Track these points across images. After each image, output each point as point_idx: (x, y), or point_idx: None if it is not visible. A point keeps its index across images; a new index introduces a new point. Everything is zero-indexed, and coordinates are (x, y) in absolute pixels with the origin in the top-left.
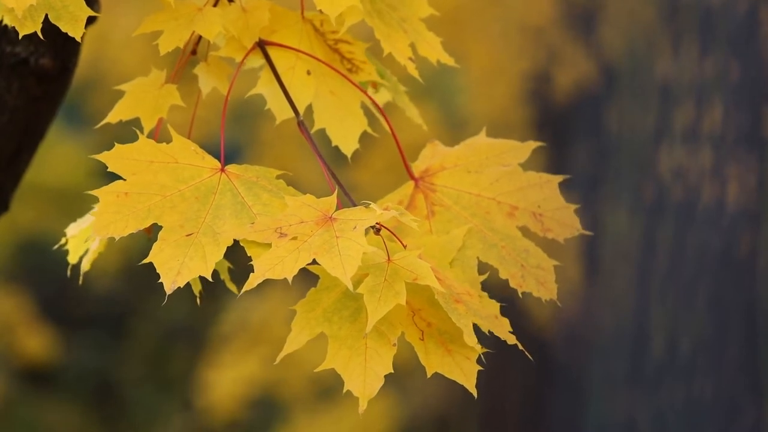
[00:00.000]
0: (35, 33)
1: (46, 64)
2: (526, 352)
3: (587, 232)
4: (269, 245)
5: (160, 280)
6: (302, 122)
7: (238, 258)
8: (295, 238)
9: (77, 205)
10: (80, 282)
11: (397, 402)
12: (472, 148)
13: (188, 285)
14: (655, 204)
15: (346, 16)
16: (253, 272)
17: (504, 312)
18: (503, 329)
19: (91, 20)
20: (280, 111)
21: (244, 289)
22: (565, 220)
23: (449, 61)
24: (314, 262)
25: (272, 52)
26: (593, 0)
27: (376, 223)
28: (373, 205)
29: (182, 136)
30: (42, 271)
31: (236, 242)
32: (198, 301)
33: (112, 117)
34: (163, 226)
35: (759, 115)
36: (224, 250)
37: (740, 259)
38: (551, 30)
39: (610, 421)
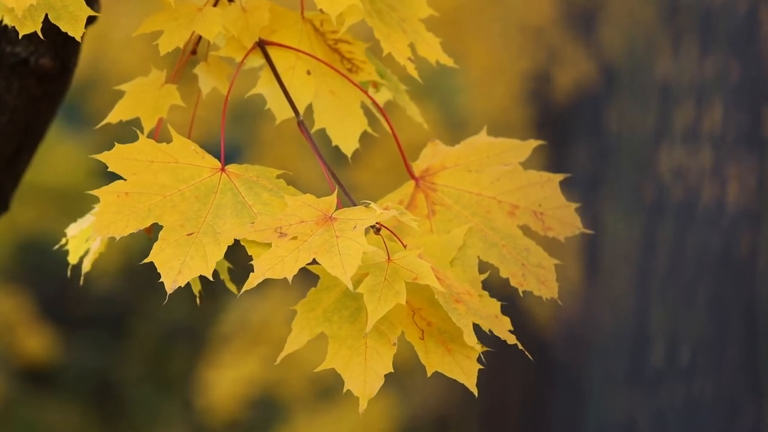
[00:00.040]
0: (35, 33)
1: (46, 64)
2: (526, 352)
3: (588, 231)
4: (269, 245)
5: (160, 280)
6: (302, 122)
7: (238, 258)
8: (295, 238)
9: (77, 205)
10: (81, 282)
11: (397, 402)
12: (472, 147)
13: (188, 285)
14: (655, 204)
15: (346, 15)
16: (253, 272)
17: (504, 311)
18: (503, 329)
19: (91, 20)
20: (280, 111)
21: (244, 289)
22: (566, 219)
23: (448, 61)
24: (314, 261)
25: (272, 52)
26: (593, 0)
27: (376, 223)
28: (373, 205)
29: (182, 136)
30: (42, 271)
31: (236, 242)
32: (198, 301)
33: (112, 117)
34: (164, 225)
35: (759, 115)
36: (225, 249)
37: (740, 259)
38: (551, 30)
39: (610, 421)
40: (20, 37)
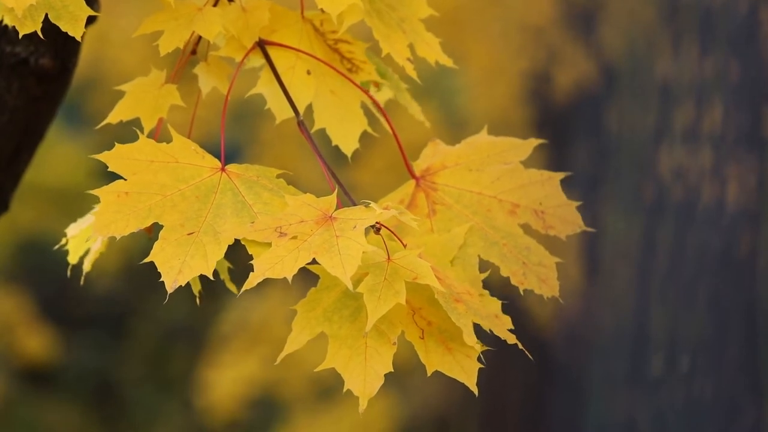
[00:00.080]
0: (35, 33)
1: (46, 64)
2: (526, 352)
3: (589, 229)
4: (269, 244)
5: (160, 280)
6: (302, 122)
7: (238, 258)
8: (295, 238)
9: (77, 205)
10: (81, 282)
11: (397, 401)
12: (473, 146)
13: (188, 285)
14: (655, 204)
15: (346, 15)
16: (253, 271)
17: (504, 311)
18: (503, 328)
19: (91, 20)
20: (280, 111)
21: (243, 289)
22: (566, 217)
23: (447, 62)
24: (314, 261)
25: (272, 51)
26: (593, 0)
27: (376, 223)
28: (373, 205)
29: (182, 136)
30: (42, 271)
31: (236, 241)
32: (198, 300)
33: (113, 117)
34: (164, 225)
35: (759, 115)
36: (225, 248)
37: (740, 259)
38: (551, 30)
39: (610, 421)
40: (20, 37)
